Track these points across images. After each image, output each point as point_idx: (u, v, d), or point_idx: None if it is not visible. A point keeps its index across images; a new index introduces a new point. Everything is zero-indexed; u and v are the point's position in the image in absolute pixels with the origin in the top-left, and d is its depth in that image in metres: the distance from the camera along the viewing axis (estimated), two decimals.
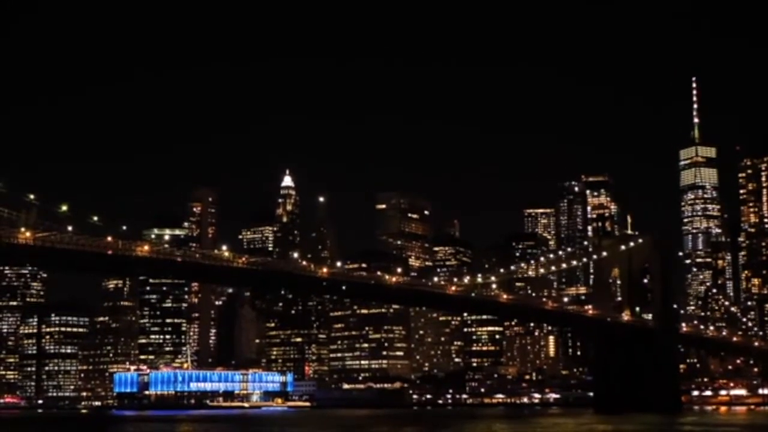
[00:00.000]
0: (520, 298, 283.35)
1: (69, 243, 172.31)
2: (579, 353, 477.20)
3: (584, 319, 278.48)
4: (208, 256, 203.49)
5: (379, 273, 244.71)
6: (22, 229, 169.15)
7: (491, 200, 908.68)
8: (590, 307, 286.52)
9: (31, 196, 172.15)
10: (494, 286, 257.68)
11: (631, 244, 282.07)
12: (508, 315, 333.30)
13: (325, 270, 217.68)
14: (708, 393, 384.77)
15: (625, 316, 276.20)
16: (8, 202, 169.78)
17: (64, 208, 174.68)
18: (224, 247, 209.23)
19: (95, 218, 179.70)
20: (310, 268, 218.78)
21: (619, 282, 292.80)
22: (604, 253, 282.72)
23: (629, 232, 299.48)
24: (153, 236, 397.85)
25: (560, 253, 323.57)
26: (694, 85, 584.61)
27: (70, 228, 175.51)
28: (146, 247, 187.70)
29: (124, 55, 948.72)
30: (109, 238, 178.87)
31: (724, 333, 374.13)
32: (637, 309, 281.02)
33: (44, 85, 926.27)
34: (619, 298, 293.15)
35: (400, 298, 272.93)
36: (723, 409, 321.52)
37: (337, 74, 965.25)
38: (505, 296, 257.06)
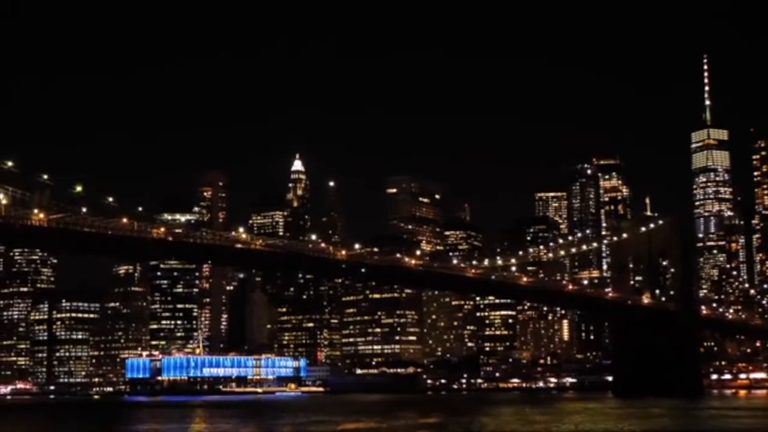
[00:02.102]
0: (540, 281, 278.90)
1: (84, 225, 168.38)
2: (592, 337, 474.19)
3: (604, 302, 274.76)
4: (225, 238, 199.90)
5: (398, 255, 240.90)
6: (35, 211, 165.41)
7: (502, 184, 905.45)
8: (610, 289, 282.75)
9: (45, 177, 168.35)
10: (513, 269, 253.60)
11: (651, 226, 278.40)
12: (528, 298, 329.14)
13: (343, 252, 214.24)
14: (727, 377, 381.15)
15: (645, 299, 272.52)
16: (21, 183, 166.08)
17: (79, 188, 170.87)
18: (241, 229, 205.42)
19: (110, 199, 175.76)
20: (329, 250, 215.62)
21: (631, 265, 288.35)
22: (625, 235, 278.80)
23: (648, 213, 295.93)
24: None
25: (578, 234, 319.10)
26: (705, 66, 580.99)
27: (84, 209, 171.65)
28: (162, 230, 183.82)
29: (144, 41, 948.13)
30: (125, 220, 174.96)
31: (743, 316, 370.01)
32: (657, 291, 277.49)
33: (59, 67, 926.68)
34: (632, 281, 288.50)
35: (419, 281, 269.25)
36: (742, 392, 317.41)
37: (347, 62, 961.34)
38: (525, 279, 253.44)
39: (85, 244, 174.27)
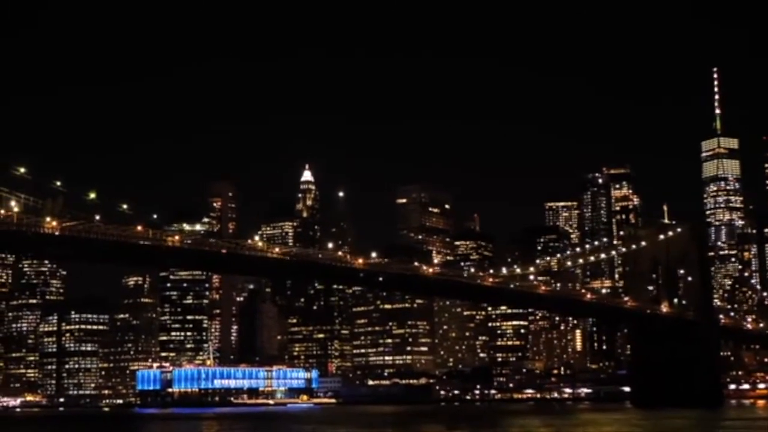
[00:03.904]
0: (558, 290, 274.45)
1: (98, 233, 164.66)
2: (605, 347, 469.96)
3: (623, 311, 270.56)
4: (241, 246, 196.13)
5: (416, 264, 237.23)
6: (48, 219, 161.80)
7: (512, 194, 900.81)
8: (628, 298, 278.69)
9: (58, 183, 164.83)
10: (531, 277, 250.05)
11: (670, 233, 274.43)
12: (546, 307, 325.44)
13: (360, 261, 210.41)
14: (745, 386, 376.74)
15: (664, 308, 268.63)
16: (33, 190, 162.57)
17: (93, 195, 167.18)
18: (256, 238, 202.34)
19: (124, 206, 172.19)
20: (346, 258, 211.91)
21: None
22: (644, 243, 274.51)
23: (666, 221, 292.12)
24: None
25: (595, 243, 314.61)
26: (715, 76, 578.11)
27: (97, 217, 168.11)
28: (177, 237, 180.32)
29: (154, 48, 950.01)
30: (139, 228, 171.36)
31: (761, 325, 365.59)
32: (675, 300, 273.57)
33: (71, 75, 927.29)
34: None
35: (437, 290, 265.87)
36: (761, 402, 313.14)
37: (355, 69, 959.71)
38: (542, 288, 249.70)
39: (99, 252, 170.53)
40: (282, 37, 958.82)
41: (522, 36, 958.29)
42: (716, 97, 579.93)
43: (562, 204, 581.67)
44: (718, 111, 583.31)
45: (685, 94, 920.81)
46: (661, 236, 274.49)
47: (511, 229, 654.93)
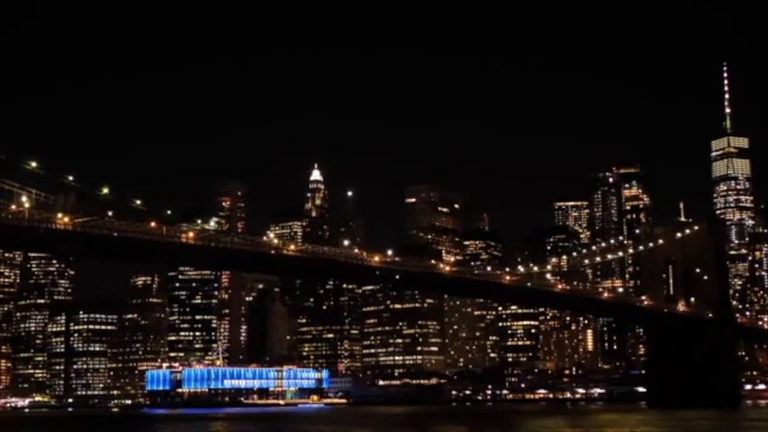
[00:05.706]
0: (575, 289, 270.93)
1: (111, 229, 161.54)
2: (616, 347, 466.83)
3: (641, 309, 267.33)
4: (256, 243, 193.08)
5: (433, 262, 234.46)
6: (60, 215, 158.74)
7: (521, 193, 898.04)
8: (645, 297, 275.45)
9: (70, 178, 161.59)
10: (548, 276, 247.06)
11: (687, 231, 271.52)
12: (564, 305, 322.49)
13: (377, 258, 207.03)
14: (761, 387, 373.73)
15: (681, 307, 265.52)
16: (45, 185, 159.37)
17: (105, 190, 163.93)
18: (271, 235, 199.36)
19: (138, 202, 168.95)
20: (362, 256, 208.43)
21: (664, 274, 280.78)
22: (660, 241, 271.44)
23: (683, 219, 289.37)
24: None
25: (611, 241, 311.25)
26: (725, 74, 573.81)
27: (110, 213, 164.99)
28: (191, 234, 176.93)
29: (161, 48, 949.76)
30: (153, 224, 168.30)
31: None
32: (692, 299, 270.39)
33: (77, 75, 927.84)
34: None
35: (454, 288, 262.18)
36: None
37: (366, 68, 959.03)
38: (560, 286, 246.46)
39: (112, 248, 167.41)
40: (287, 38, 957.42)
41: (531, 36, 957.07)
42: (726, 96, 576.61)
43: (571, 204, 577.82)
44: (728, 110, 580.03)
45: (695, 93, 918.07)
46: (678, 234, 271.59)
47: (521, 228, 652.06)
